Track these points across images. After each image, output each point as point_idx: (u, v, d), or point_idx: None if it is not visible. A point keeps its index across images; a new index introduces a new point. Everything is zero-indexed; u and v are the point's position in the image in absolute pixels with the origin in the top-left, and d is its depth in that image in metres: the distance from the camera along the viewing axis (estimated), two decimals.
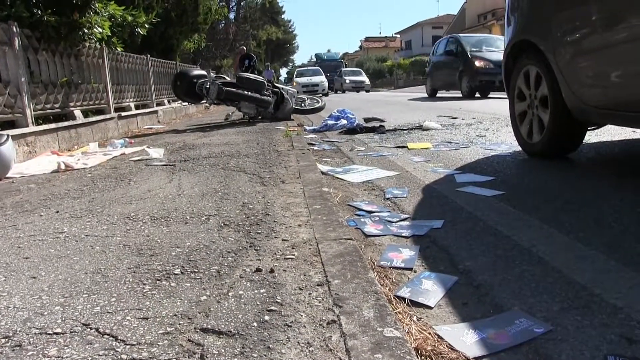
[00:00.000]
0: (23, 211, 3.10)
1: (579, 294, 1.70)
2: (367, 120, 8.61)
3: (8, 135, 4.58)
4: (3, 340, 1.44)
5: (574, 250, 2.11)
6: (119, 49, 8.55)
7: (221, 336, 1.41)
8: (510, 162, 4.20)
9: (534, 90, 4.10)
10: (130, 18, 8.08)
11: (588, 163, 3.96)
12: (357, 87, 35.95)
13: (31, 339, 1.43)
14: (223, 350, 1.34)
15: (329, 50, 53.99)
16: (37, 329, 1.49)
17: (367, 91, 35.11)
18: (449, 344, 1.45)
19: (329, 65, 45.39)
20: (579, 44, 3.44)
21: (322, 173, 3.98)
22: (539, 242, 2.22)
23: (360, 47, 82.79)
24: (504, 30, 4.76)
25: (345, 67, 45.62)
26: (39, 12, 6.06)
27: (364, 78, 37.52)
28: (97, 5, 6.97)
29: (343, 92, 36.03)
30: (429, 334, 1.50)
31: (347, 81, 36.42)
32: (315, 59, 51.45)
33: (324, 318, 1.49)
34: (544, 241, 2.23)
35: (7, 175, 4.51)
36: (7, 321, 1.55)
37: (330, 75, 42.07)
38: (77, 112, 7.21)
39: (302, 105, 10.54)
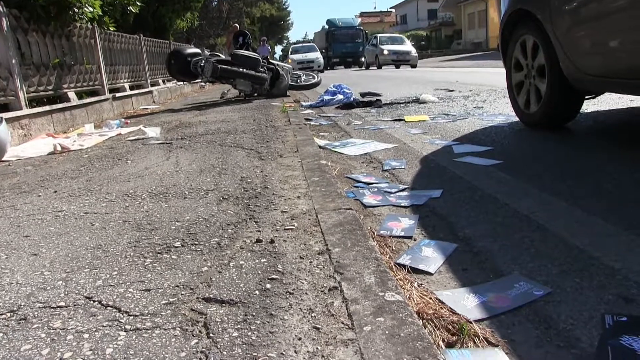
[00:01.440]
0: (21, 192, 3.10)
1: (577, 258, 1.71)
2: (363, 94, 8.58)
3: (2, 118, 4.55)
4: (8, 314, 1.44)
5: (572, 216, 2.12)
6: (111, 29, 8.46)
7: (224, 305, 1.42)
8: (508, 132, 4.19)
9: (531, 60, 4.07)
10: None
11: (586, 132, 3.95)
12: (400, 60, 26.83)
13: (36, 313, 1.44)
14: (226, 318, 1.35)
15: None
16: (41, 303, 1.50)
17: (414, 66, 25.95)
18: (450, 308, 1.46)
19: (346, 33, 36.63)
20: (577, 12, 3.41)
21: (320, 147, 3.97)
22: (537, 210, 2.22)
23: None
24: (500, 1, 4.71)
25: (366, 33, 37.09)
26: None
27: (409, 47, 27.89)
28: None
29: (379, 67, 27.57)
30: (430, 298, 1.51)
31: (386, 52, 27.27)
32: (327, 26, 39.55)
33: (325, 285, 1.50)
34: (542, 208, 2.24)
35: (3, 159, 4.49)
36: (11, 296, 1.56)
37: (348, 46, 35.52)
38: (71, 94, 7.15)
39: (298, 81, 10.48)
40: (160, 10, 13.54)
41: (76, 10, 6.79)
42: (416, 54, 27.27)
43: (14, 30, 5.84)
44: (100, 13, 7.41)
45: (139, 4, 8.77)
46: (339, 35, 36.47)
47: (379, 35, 30.67)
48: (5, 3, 5.63)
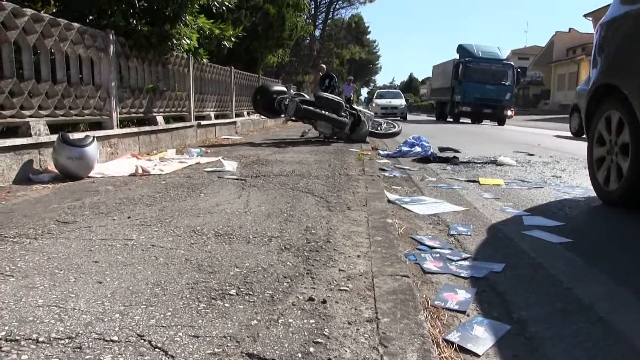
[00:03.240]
0: (99, 213, 3.27)
1: None
2: (441, 149, 8.55)
3: (94, 137, 4.86)
4: (67, 340, 1.53)
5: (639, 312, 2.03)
6: (204, 60, 8.86)
7: None
8: (583, 208, 4.06)
9: (614, 136, 3.96)
10: (217, 31, 8.36)
11: None
12: None
13: (90, 343, 1.52)
14: None
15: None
16: (97, 334, 1.58)
17: None
18: None
19: (487, 69, 24.09)
20: None
21: (389, 201, 3.98)
22: (601, 299, 2.14)
23: None
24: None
25: (519, 72, 24.85)
26: (134, 22, 6.42)
27: None
28: (187, 17, 7.28)
29: None
30: None
31: None
32: (458, 55, 25.59)
33: (367, 356, 1.50)
34: (607, 298, 2.15)
35: (89, 175, 4.77)
36: (72, 322, 1.65)
37: (488, 90, 23.43)
38: (159, 118, 7.52)
39: (378, 129, 10.56)
40: (253, 45, 14.04)
41: (175, 41, 7.21)
42: None
43: (118, 56, 6.28)
44: (197, 45, 7.80)
45: (233, 39, 9.14)
46: (475, 70, 24.00)
47: None
48: (115, 32, 6.08)
